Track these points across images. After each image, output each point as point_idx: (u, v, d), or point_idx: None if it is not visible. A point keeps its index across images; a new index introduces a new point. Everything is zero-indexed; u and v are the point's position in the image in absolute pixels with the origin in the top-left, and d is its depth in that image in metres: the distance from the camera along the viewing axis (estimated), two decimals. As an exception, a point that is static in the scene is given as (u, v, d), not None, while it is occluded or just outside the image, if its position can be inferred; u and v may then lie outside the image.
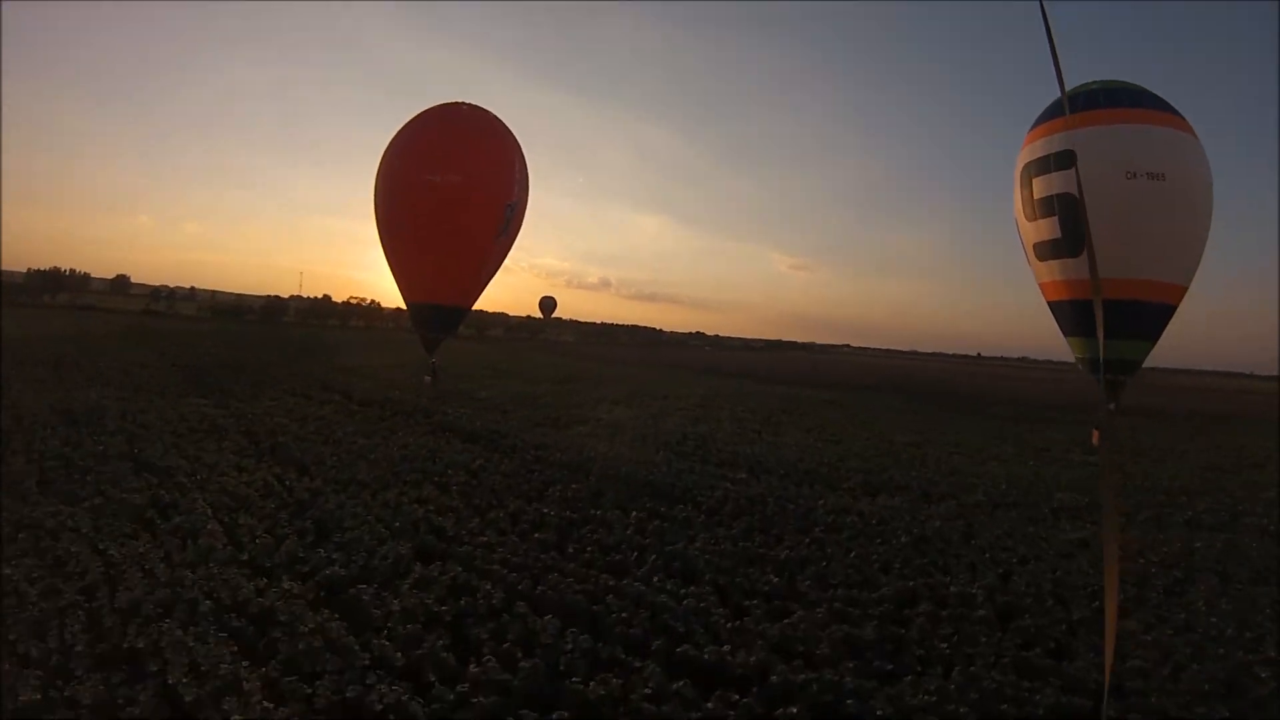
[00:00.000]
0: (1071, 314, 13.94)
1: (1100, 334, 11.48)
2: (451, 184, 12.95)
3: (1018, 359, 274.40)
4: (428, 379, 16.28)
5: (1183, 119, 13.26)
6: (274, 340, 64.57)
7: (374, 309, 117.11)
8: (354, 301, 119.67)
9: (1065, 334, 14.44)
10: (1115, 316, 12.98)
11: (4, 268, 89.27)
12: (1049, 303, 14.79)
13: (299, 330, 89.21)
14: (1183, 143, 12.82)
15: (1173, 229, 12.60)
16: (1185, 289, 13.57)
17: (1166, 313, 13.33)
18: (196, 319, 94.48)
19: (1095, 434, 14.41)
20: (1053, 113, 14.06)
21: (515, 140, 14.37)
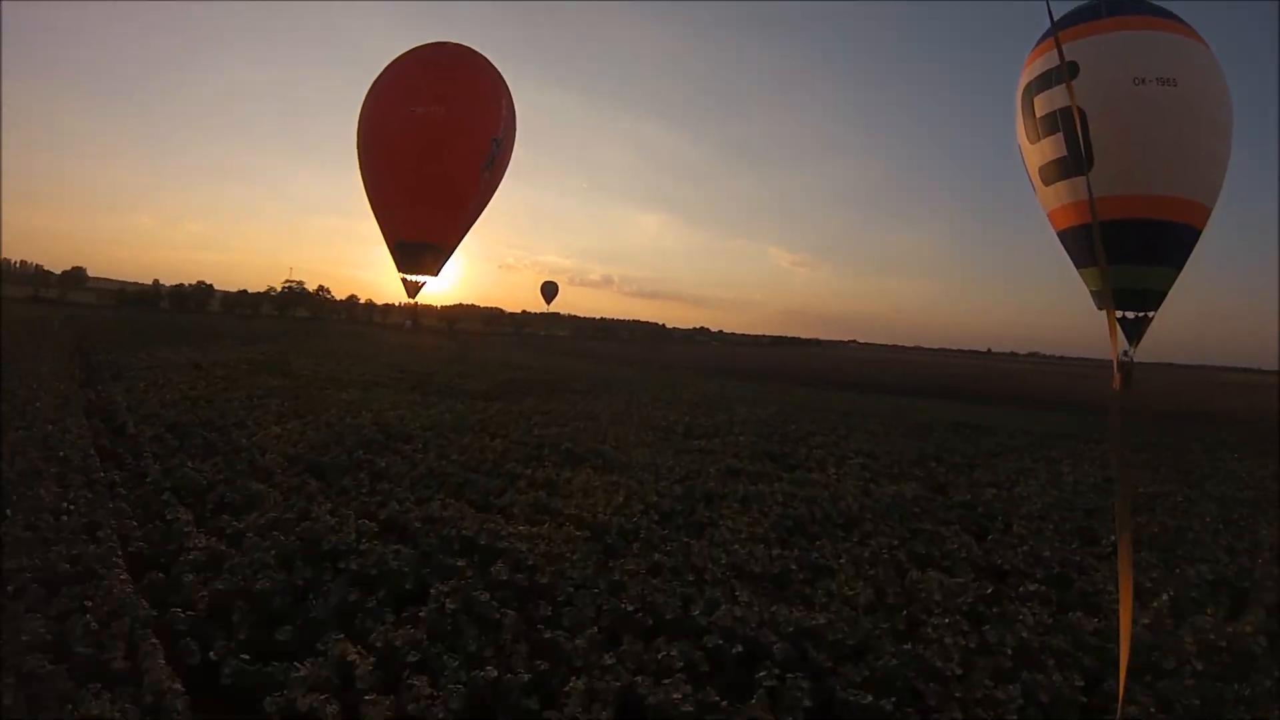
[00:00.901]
0: (1085, 240, 12.82)
1: (1099, 250, 10.25)
2: (436, 115, 12.74)
3: (1027, 354, 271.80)
4: (408, 324, 15.57)
5: (1191, 29, 12.26)
6: (105, 328, 48.83)
7: (316, 296, 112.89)
8: (291, 285, 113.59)
9: (1078, 265, 13.31)
10: (1132, 239, 11.85)
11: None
12: (1058, 232, 13.70)
13: (200, 319, 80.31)
14: (1193, 49, 11.89)
15: (1188, 138, 11.53)
16: (1209, 210, 12.42)
17: (1191, 235, 12.17)
18: (85, 305, 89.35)
19: (1118, 378, 13.14)
20: (1062, 26, 13.04)
21: (501, 77, 14.05)
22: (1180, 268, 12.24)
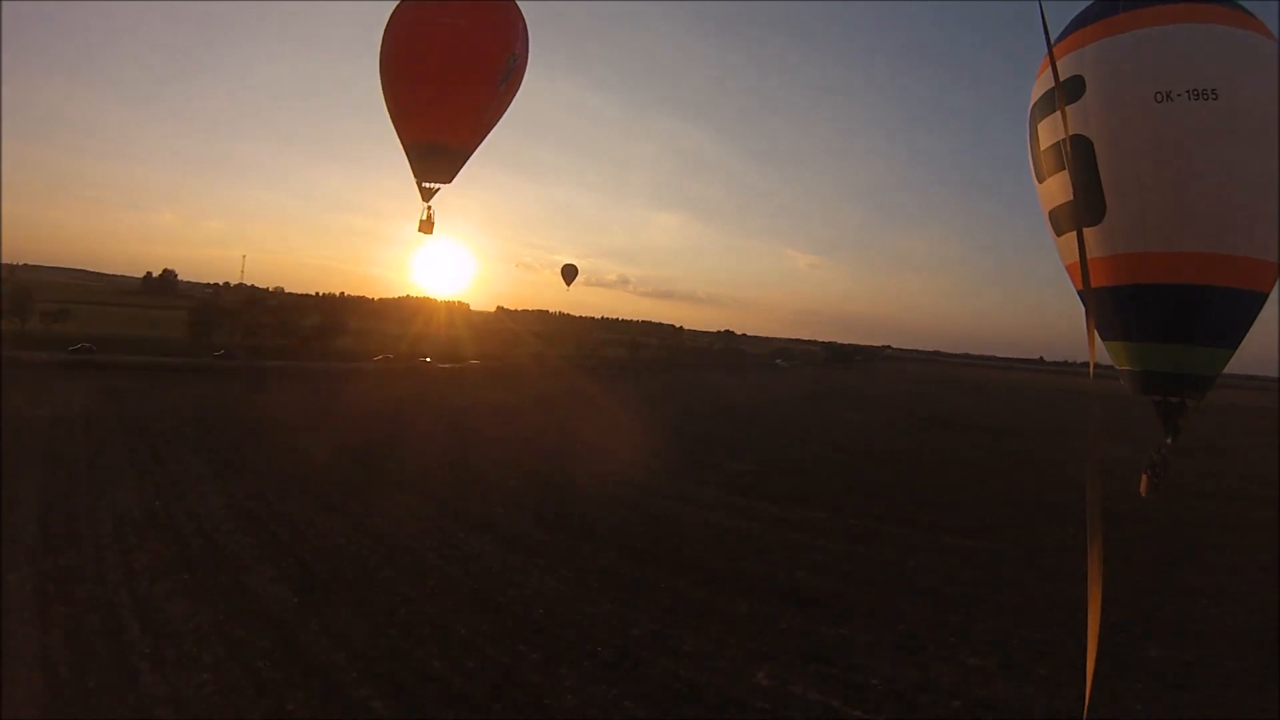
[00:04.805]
0: (1111, 306, 10.28)
1: (1090, 332, 8.10)
2: (459, 26, 14.53)
3: (1084, 363, 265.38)
4: (425, 212, 16.72)
5: (1247, 14, 9.55)
6: None
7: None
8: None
9: (1104, 338, 10.81)
10: (1170, 311, 9.43)
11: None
12: (1078, 292, 11.28)
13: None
14: (1243, 41, 9.17)
15: (1238, 171, 8.95)
16: (1278, 267, 9.71)
17: (1249, 303, 9.55)
18: None
19: (1145, 479, 10.69)
20: (1068, 31, 10.61)
21: (518, 6, 15.78)
22: (1235, 347, 9.68)
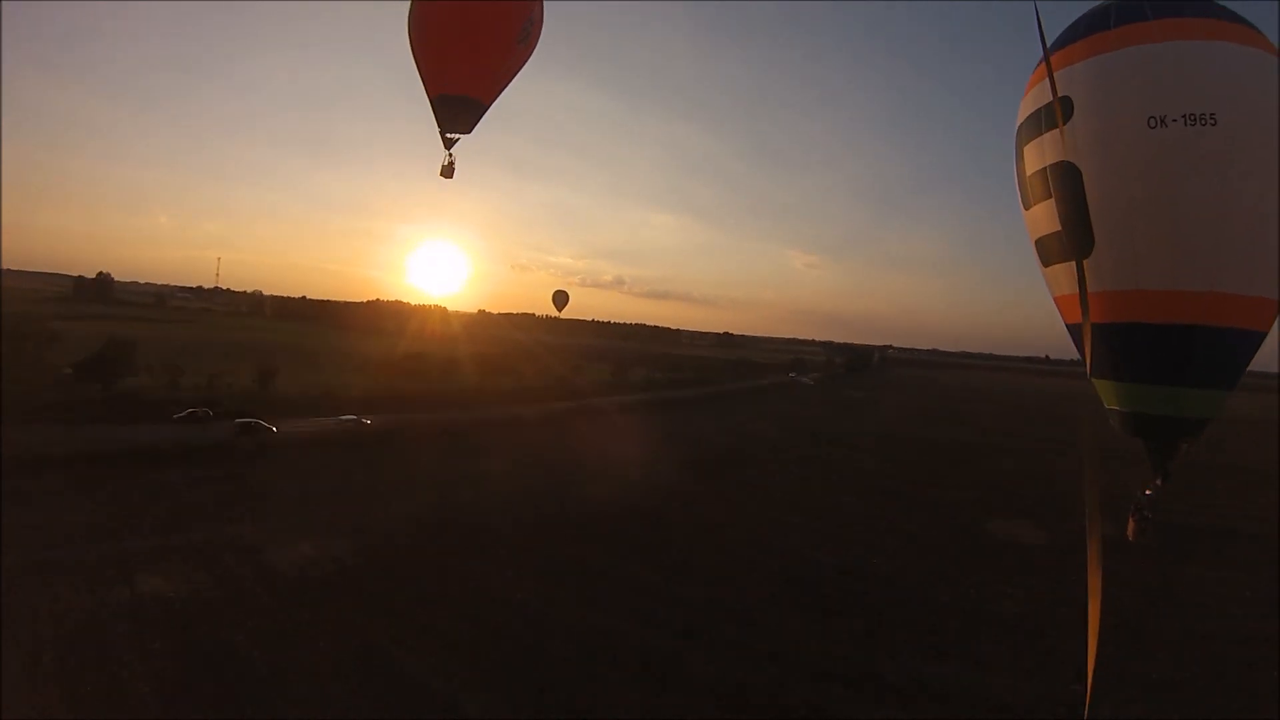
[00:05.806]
0: (1101, 343, 9.64)
1: (1087, 359, 7.62)
2: None
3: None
4: (446, 158, 18.19)
5: (1251, 29, 8.90)
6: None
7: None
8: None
9: (1092, 374, 10.16)
10: (1163, 352, 8.84)
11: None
12: (1068, 326, 10.69)
13: None
14: (1246, 62, 8.54)
15: (1236, 205, 8.34)
16: (1277, 305, 9.00)
17: (1247, 343, 8.95)
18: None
19: (1131, 522, 10.15)
20: (1056, 47, 9.92)
21: None
22: (1231, 388, 9.08)
